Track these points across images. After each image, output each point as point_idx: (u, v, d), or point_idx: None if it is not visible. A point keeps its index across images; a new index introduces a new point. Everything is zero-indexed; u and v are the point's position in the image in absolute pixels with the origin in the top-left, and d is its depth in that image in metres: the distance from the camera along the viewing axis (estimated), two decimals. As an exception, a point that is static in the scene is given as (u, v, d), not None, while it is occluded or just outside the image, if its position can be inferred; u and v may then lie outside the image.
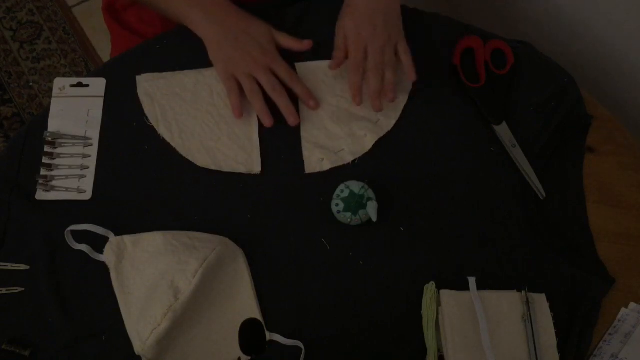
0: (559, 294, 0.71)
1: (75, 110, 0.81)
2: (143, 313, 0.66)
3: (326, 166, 0.78)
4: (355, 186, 0.72)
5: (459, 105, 0.82)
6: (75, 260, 0.72)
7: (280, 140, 0.80)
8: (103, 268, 0.71)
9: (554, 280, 0.72)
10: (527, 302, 0.68)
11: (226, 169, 0.78)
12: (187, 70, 0.84)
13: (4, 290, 0.70)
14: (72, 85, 0.82)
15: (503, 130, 0.80)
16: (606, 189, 0.78)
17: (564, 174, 0.79)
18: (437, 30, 0.87)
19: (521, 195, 0.77)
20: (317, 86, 0.82)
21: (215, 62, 0.80)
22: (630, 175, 0.79)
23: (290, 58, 0.82)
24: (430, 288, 0.70)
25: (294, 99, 0.80)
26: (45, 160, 0.77)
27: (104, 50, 1.76)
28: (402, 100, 0.82)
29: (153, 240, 0.71)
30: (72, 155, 0.78)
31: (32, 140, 0.79)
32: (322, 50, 0.83)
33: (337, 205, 0.73)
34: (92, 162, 0.78)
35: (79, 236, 0.71)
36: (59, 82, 0.83)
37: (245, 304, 0.70)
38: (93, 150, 0.79)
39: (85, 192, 0.76)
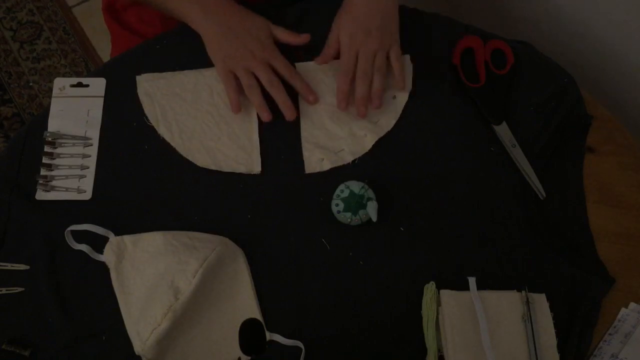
0: (559, 294, 0.71)
1: (75, 110, 0.81)
2: (143, 313, 0.66)
3: (326, 166, 0.78)
4: (355, 186, 0.72)
5: (459, 105, 0.82)
6: (75, 260, 0.72)
7: (280, 140, 0.80)
8: (103, 268, 0.71)
9: (554, 280, 0.72)
10: (527, 302, 0.68)
11: (226, 169, 0.78)
12: (187, 70, 0.84)
13: (4, 290, 0.70)
14: (72, 85, 0.82)
15: (503, 130, 0.80)
16: (606, 189, 0.78)
17: (564, 174, 0.79)
18: (437, 30, 0.87)
19: (521, 195, 0.77)
20: (317, 86, 0.82)
21: (214, 57, 0.81)
22: (630, 175, 0.79)
23: (291, 58, 0.82)
24: (430, 288, 0.70)
25: (294, 96, 0.81)
26: (45, 160, 0.77)
27: (104, 50, 1.76)
28: (402, 100, 0.82)
29: (153, 240, 0.71)
30: (72, 155, 0.78)
31: (32, 140, 0.79)
32: (322, 50, 0.83)
33: (337, 205, 0.73)
34: (92, 162, 0.78)
35: (79, 236, 0.71)
36: (59, 82, 0.83)
37: (245, 304, 0.70)
38: (93, 150, 0.79)
39: (85, 192, 0.76)
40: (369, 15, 0.80)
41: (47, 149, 0.78)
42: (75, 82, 0.83)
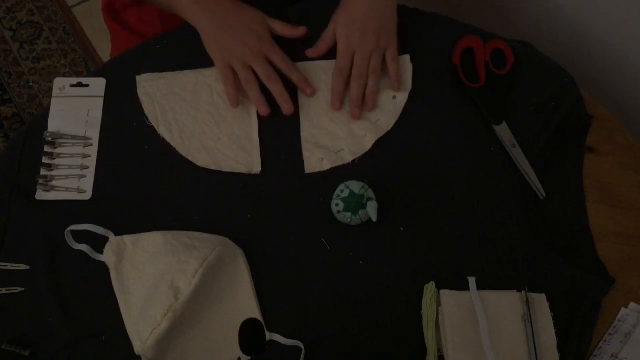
0: (559, 294, 0.71)
1: (75, 110, 0.81)
2: (143, 313, 0.66)
3: (326, 166, 0.78)
4: (355, 186, 0.72)
5: (459, 105, 0.82)
6: (75, 260, 0.72)
7: (280, 140, 0.80)
8: (103, 268, 0.71)
9: (554, 280, 0.72)
10: (527, 302, 0.68)
11: (226, 169, 0.78)
12: (187, 70, 0.84)
13: (4, 290, 0.70)
14: (72, 85, 0.82)
15: (503, 130, 0.80)
16: (606, 189, 0.78)
17: (564, 174, 0.79)
18: (437, 30, 0.87)
19: (521, 195, 0.77)
20: (317, 86, 0.82)
21: (211, 52, 0.81)
22: (630, 175, 0.79)
23: (290, 57, 0.82)
24: (430, 288, 0.70)
25: (294, 95, 0.81)
26: (45, 160, 0.77)
27: (104, 50, 1.76)
28: (402, 100, 0.82)
29: (153, 240, 0.71)
30: (72, 155, 0.78)
31: (32, 140, 0.79)
32: (326, 53, 0.83)
33: (337, 205, 0.73)
34: (92, 162, 0.78)
35: (79, 236, 0.71)
36: (59, 82, 0.83)
37: (245, 304, 0.70)
38: (93, 150, 0.79)
39: (85, 192, 0.76)
40: (367, 16, 0.80)
41: (47, 149, 0.78)
42: (75, 82, 0.83)
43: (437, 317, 0.68)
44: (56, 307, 0.69)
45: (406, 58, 0.84)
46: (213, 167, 0.78)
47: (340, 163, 0.78)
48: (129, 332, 0.68)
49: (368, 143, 0.79)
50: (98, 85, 0.83)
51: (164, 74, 0.83)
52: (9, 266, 0.71)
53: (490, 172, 0.78)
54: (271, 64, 0.79)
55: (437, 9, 0.90)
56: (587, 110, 0.82)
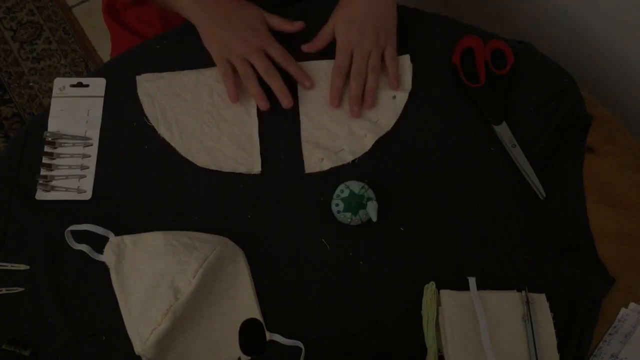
0: (559, 294, 0.71)
1: (75, 110, 0.81)
2: (143, 313, 0.66)
3: (326, 166, 0.78)
4: (355, 186, 0.72)
5: (459, 105, 0.82)
6: (75, 260, 0.72)
7: (280, 140, 0.80)
8: (103, 268, 0.71)
9: (554, 280, 0.72)
10: (527, 302, 0.68)
11: (226, 169, 0.78)
12: (187, 70, 0.84)
13: (4, 290, 0.70)
14: (72, 85, 0.82)
15: (503, 130, 0.80)
16: (606, 189, 0.78)
17: (564, 174, 0.79)
18: (437, 30, 0.87)
19: (521, 195, 0.77)
20: (317, 86, 0.82)
21: (210, 47, 0.81)
22: (630, 175, 0.79)
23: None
24: (430, 288, 0.70)
25: (294, 95, 0.81)
26: (45, 160, 0.77)
27: (104, 50, 1.76)
28: (402, 99, 0.82)
29: (153, 240, 0.71)
30: (72, 155, 0.78)
31: (32, 140, 0.79)
32: (322, 50, 0.83)
33: (337, 205, 0.73)
34: (92, 162, 0.78)
35: (79, 236, 0.71)
36: (59, 82, 0.83)
37: (245, 304, 0.70)
38: (93, 150, 0.79)
39: (85, 192, 0.76)
40: (366, 15, 0.80)
41: (47, 149, 0.78)
42: (75, 82, 0.83)
43: (437, 317, 0.68)
44: (56, 307, 0.69)
45: (406, 58, 0.84)
46: (213, 167, 0.78)
47: (340, 163, 0.78)
48: (129, 332, 0.68)
49: (368, 143, 0.79)
50: (98, 85, 0.83)
51: (164, 74, 0.83)
52: (9, 266, 0.71)
53: (490, 172, 0.78)
54: (270, 59, 0.79)
55: (437, 9, 0.90)
56: (587, 110, 0.82)
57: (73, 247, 0.71)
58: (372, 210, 0.71)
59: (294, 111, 0.81)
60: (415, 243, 0.74)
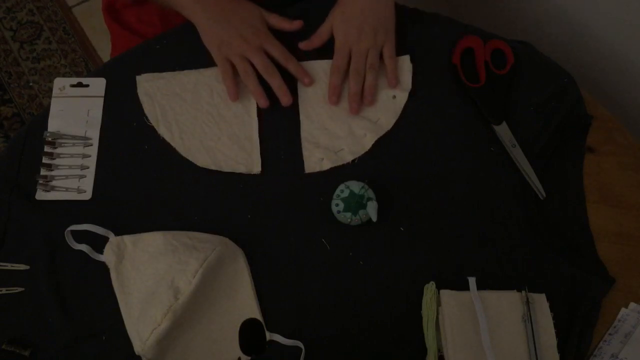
0: (559, 294, 0.71)
1: (75, 110, 0.81)
2: (143, 313, 0.66)
3: (326, 166, 0.78)
4: (355, 186, 0.72)
5: (459, 105, 0.82)
6: (75, 260, 0.72)
7: (280, 140, 0.80)
8: (103, 268, 0.71)
9: (554, 280, 0.72)
10: (527, 302, 0.68)
11: (226, 169, 0.78)
12: (187, 70, 0.84)
13: (4, 290, 0.70)
14: (72, 85, 0.82)
15: (503, 130, 0.80)
16: (606, 189, 0.78)
17: (564, 174, 0.79)
18: (437, 30, 0.87)
19: (521, 195, 0.77)
20: (317, 85, 0.82)
21: (209, 46, 0.81)
22: (630, 175, 0.79)
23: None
24: (430, 288, 0.70)
25: (294, 93, 0.81)
26: (45, 160, 0.77)
27: (104, 50, 1.76)
28: (402, 99, 0.82)
29: (153, 240, 0.71)
30: (72, 155, 0.78)
31: (32, 140, 0.79)
32: (322, 49, 0.83)
33: (337, 205, 0.73)
34: (92, 162, 0.78)
35: (79, 236, 0.71)
36: (59, 82, 0.83)
37: (245, 304, 0.70)
38: (93, 150, 0.79)
39: (85, 192, 0.76)
40: (364, 14, 0.80)
41: (47, 149, 0.78)
42: (75, 82, 0.83)
43: (437, 317, 0.68)
44: (56, 307, 0.69)
45: (406, 58, 0.84)
46: (213, 167, 0.78)
47: (340, 163, 0.78)
48: (129, 332, 0.68)
49: (368, 143, 0.79)
50: (98, 85, 0.83)
51: (164, 74, 0.83)
52: (9, 266, 0.71)
53: (490, 172, 0.78)
54: (269, 58, 0.79)
55: (437, 9, 0.90)
56: (587, 110, 0.82)
57: (73, 247, 0.71)
58: (372, 210, 0.71)
59: (294, 111, 0.81)
60: (415, 243, 0.74)
